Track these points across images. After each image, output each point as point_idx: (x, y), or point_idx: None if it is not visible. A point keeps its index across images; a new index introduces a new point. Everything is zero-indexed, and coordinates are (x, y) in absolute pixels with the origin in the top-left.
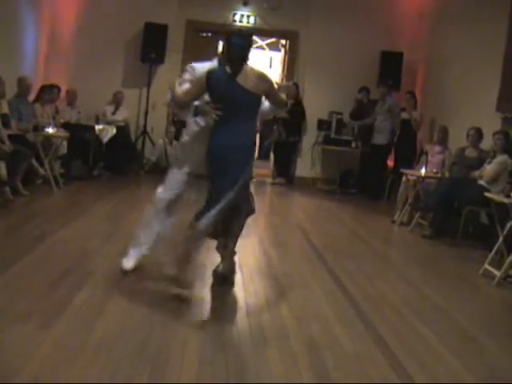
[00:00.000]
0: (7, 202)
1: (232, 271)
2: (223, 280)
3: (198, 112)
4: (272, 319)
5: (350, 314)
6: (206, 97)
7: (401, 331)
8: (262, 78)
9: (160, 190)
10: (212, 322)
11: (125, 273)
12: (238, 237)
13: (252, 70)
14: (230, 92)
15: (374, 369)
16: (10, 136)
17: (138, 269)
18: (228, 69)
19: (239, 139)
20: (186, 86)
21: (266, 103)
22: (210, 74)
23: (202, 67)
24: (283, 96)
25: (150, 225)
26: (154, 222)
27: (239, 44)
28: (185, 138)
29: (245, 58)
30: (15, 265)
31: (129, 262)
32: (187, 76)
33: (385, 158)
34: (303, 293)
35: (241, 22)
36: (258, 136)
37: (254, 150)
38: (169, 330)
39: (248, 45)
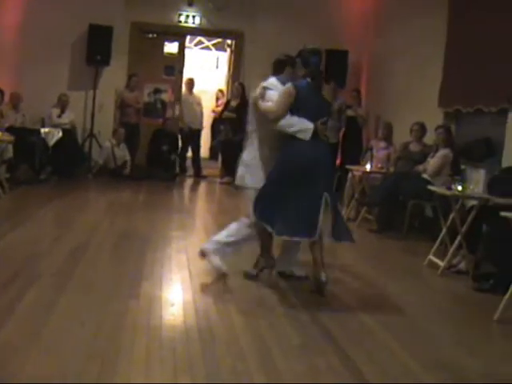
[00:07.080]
0: None
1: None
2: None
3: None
4: (220, 317)
5: (295, 307)
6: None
7: (346, 322)
8: None
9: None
10: (160, 317)
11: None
12: None
13: None
14: (317, 104)
15: (320, 360)
16: None
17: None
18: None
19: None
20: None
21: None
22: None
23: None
24: None
25: None
26: None
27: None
28: (264, 151)
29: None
30: None
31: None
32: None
33: (335, 157)
34: (248, 287)
35: (186, 22)
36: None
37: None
38: (118, 325)
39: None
